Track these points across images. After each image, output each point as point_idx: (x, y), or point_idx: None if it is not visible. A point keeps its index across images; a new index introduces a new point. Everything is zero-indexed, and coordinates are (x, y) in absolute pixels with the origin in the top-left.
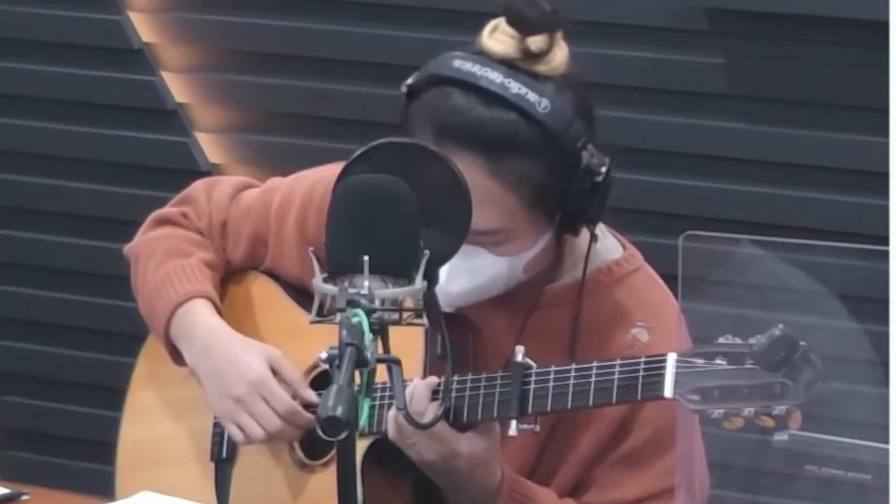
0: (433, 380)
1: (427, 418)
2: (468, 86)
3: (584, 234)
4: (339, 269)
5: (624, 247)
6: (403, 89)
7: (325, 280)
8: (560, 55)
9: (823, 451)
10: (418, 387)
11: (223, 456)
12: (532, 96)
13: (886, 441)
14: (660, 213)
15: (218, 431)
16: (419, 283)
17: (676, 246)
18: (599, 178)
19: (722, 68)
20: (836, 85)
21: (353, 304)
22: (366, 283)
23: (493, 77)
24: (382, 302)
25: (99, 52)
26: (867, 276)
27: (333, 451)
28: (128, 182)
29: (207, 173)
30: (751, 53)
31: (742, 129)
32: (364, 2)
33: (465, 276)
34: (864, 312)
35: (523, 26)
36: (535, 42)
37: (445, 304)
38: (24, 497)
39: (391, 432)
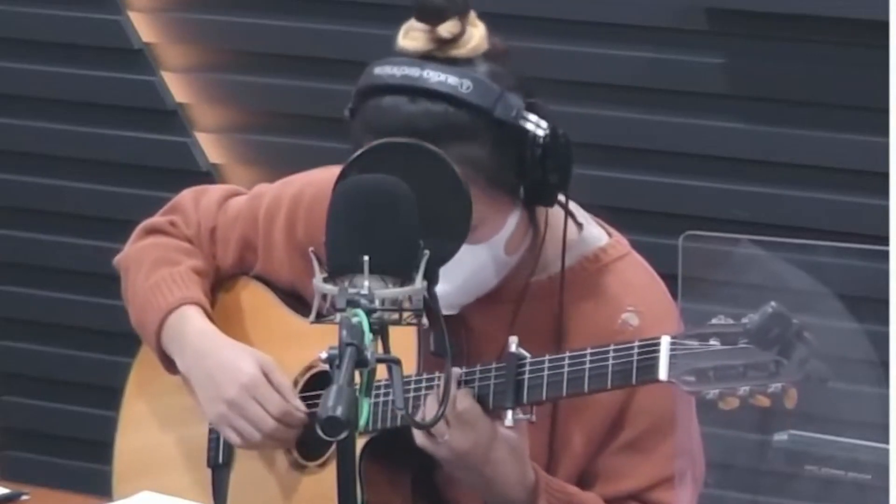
0: (456, 371)
1: (461, 405)
2: (392, 88)
3: (561, 221)
4: (339, 269)
5: (609, 234)
6: (346, 114)
7: (325, 280)
8: (476, 34)
9: (823, 451)
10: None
11: (219, 461)
12: (452, 80)
13: (886, 441)
14: (660, 213)
15: (214, 437)
16: (419, 283)
17: (676, 246)
18: (547, 142)
19: (722, 68)
20: (836, 85)
21: (353, 304)
22: (366, 283)
23: (412, 73)
24: (382, 302)
25: (99, 52)
26: (867, 276)
27: (330, 452)
28: (128, 182)
29: (207, 173)
30: (751, 53)
31: (742, 129)
32: (364, 2)
33: (449, 272)
34: (864, 312)
35: (431, 17)
36: (446, 28)
37: (445, 307)
38: (24, 497)
39: (419, 438)
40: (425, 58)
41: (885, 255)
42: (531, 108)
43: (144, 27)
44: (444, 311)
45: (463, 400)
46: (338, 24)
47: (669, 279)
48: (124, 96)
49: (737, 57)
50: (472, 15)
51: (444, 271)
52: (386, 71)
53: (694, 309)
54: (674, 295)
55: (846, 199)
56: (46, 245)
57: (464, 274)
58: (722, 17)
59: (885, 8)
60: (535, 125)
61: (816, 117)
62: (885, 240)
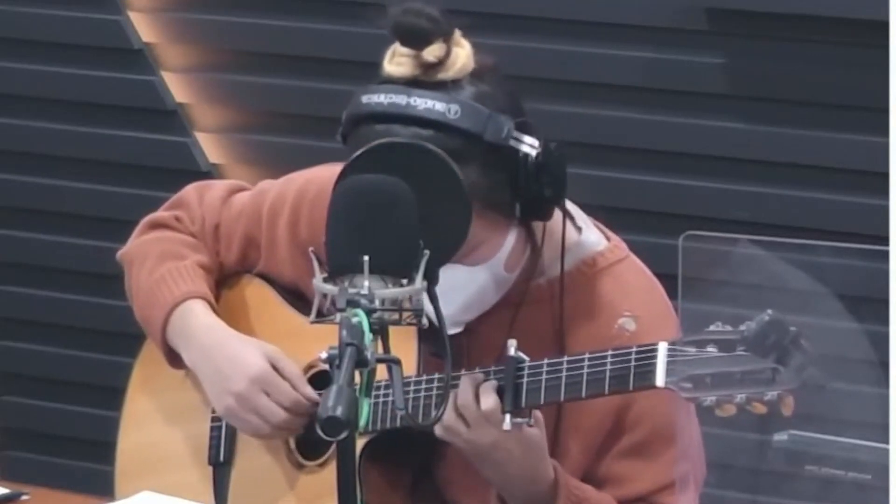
0: (479, 375)
1: (485, 405)
2: (381, 117)
3: (560, 225)
4: (339, 268)
5: (608, 238)
6: (338, 139)
7: (325, 280)
8: (462, 55)
9: (823, 451)
10: (463, 380)
11: (221, 459)
12: (440, 106)
13: (886, 441)
14: (660, 213)
15: (215, 435)
16: (419, 283)
17: (676, 246)
18: (539, 160)
19: (722, 68)
20: (836, 85)
21: (353, 304)
22: (366, 283)
23: (399, 100)
24: (382, 302)
25: (99, 52)
26: (867, 276)
27: (330, 452)
28: (128, 182)
29: (207, 173)
30: (751, 53)
31: (742, 129)
32: (364, 2)
33: (451, 295)
34: (864, 312)
35: (415, 42)
36: (431, 52)
37: (448, 325)
38: (24, 497)
39: (438, 429)
40: (411, 83)
41: (885, 255)
42: (521, 127)
43: (144, 27)
44: (448, 330)
45: (487, 399)
46: (338, 24)
47: (669, 279)
48: (124, 96)
49: (737, 57)
50: (457, 35)
51: (445, 295)
52: (373, 99)
53: (694, 309)
54: (673, 295)
55: (846, 199)
56: (46, 245)
57: (466, 296)
58: (722, 17)
59: (885, 8)
60: (527, 144)
61: (816, 117)
62: (885, 240)
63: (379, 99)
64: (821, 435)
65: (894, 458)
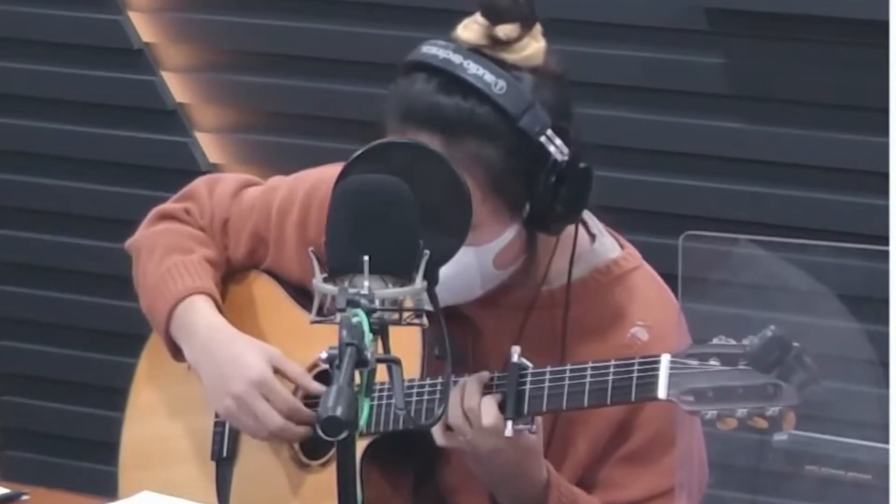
0: (485, 374)
1: (486, 420)
2: (430, 68)
3: (580, 234)
4: (339, 268)
5: (622, 246)
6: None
7: (326, 280)
8: (534, 47)
9: (823, 451)
10: (470, 382)
11: (223, 455)
12: (489, 77)
13: (886, 441)
14: (660, 213)
15: (218, 430)
16: (419, 283)
17: (676, 246)
18: (562, 168)
19: (722, 68)
20: (836, 85)
21: (353, 304)
22: (366, 283)
23: (454, 59)
24: (382, 302)
25: (99, 52)
26: (867, 276)
27: (332, 452)
28: (128, 182)
29: (207, 173)
30: (751, 53)
31: (742, 129)
32: (364, 2)
33: None
34: (864, 312)
35: (493, 15)
36: (504, 30)
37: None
38: (24, 497)
39: (440, 436)
40: (475, 51)
41: (885, 255)
42: (559, 132)
43: (144, 27)
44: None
45: (488, 414)
46: (338, 24)
47: (669, 279)
48: (124, 96)
49: (737, 57)
50: (538, 29)
51: None
52: (431, 51)
53: (694, 309)
54: (674, 295)
55: (846, 199)
56: (46, 245)
57: (449, 270)
58: (722, 17)
59: (885, 8)
60: (556, 148)
61: (816, 117)
62: (885, 240)
63: (435, 52)
64: (821, 435)
65: (894, 458)
